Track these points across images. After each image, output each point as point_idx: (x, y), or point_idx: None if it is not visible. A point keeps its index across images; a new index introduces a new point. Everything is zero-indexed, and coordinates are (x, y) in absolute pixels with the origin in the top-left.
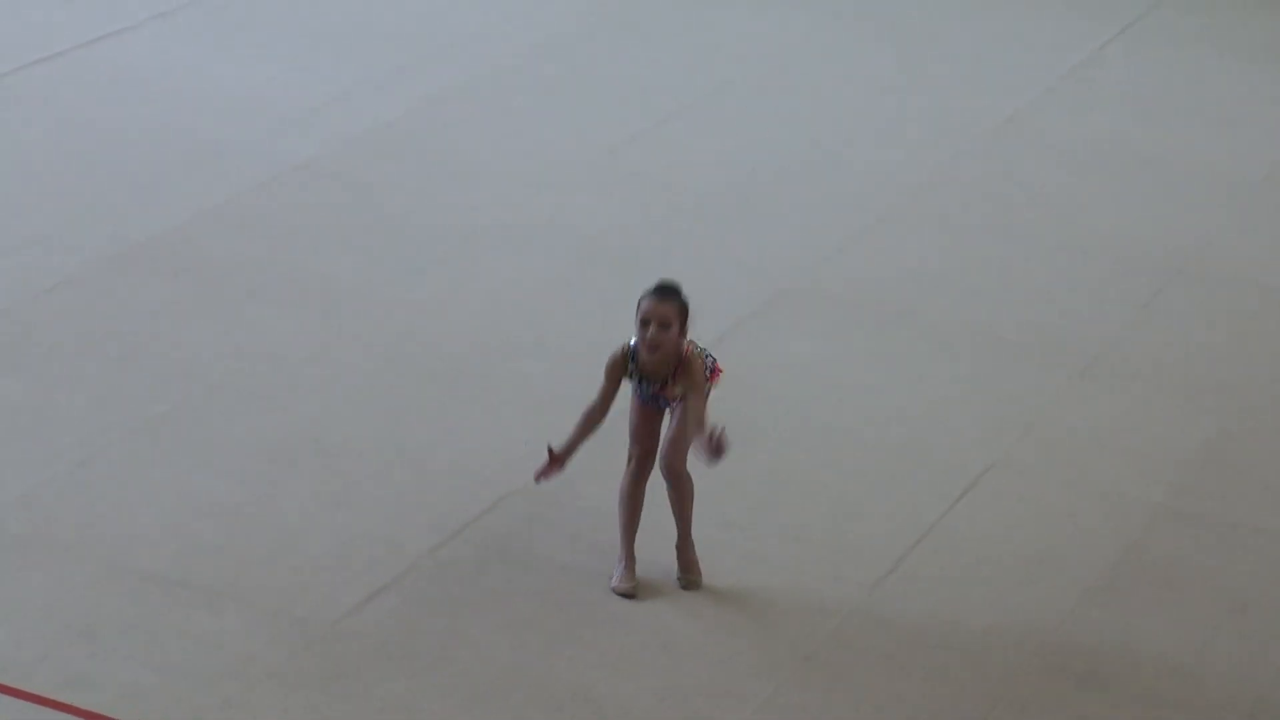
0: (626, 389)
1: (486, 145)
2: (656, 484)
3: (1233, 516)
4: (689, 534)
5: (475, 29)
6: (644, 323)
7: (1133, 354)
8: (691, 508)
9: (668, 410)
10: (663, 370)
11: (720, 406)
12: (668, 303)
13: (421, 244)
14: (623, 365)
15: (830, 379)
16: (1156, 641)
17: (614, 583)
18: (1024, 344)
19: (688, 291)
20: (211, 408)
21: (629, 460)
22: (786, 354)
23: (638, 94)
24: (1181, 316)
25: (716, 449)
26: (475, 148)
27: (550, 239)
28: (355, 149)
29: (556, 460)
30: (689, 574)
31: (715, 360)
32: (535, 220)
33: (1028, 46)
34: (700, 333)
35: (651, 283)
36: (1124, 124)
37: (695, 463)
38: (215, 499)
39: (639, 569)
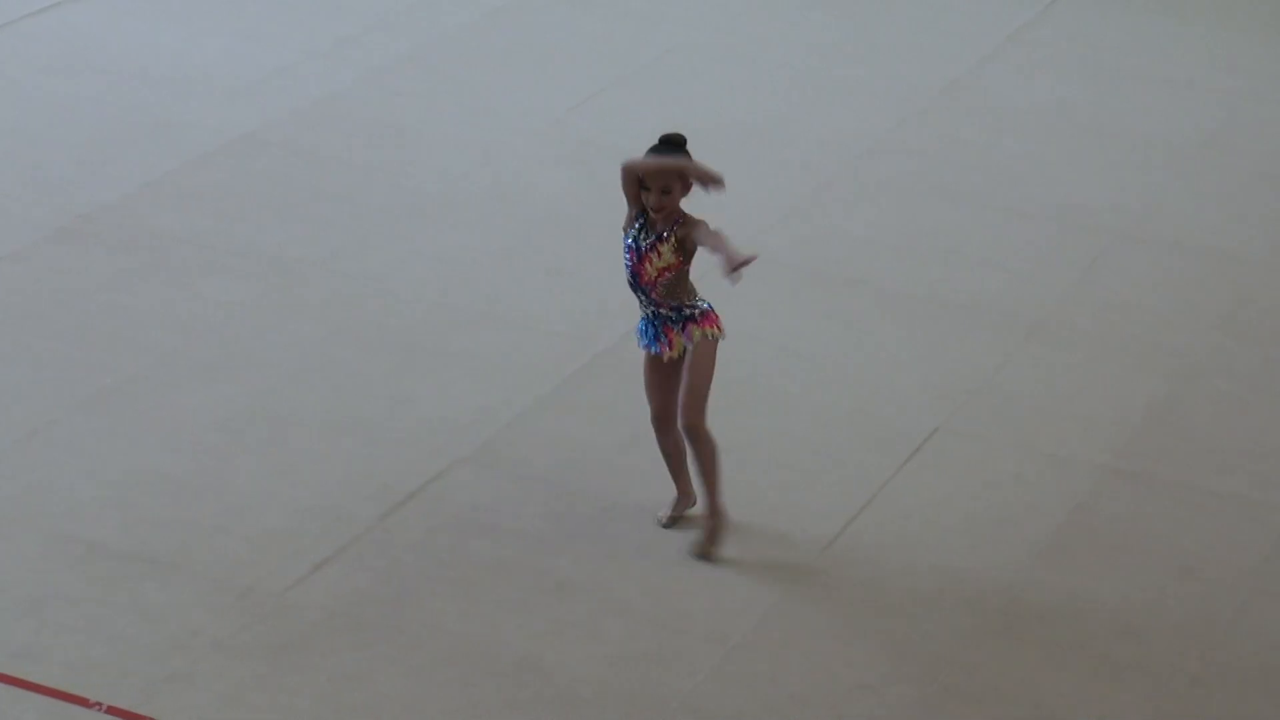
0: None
1: (433, 115)
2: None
3: (1179, 477)
4: (716, 500)
5: None
6: (645, 187)
7: (1078, 317)
8: (717, 470)
9: (676, 338)
10: (661, 226)
11: None
12: (673, 161)
13: (369, 214)
14: (638, 183)
15: (777, 345)
16: (1105, 603)
17: (660, 513)
18: (970, 308)
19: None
20: (159, 379)
21: (652, 419)
22: (734, 321)
23: (584, 61)
24: (1126, 279)
25: (737, 262)
26: (422, 117)
27: (498, 208)
28: (302, 120)
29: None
30: (708, 545)
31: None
32: (483, 189)
33: (970, 11)
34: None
35: (648, 145)
36: (1067, 88)
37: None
38: (163, 471)
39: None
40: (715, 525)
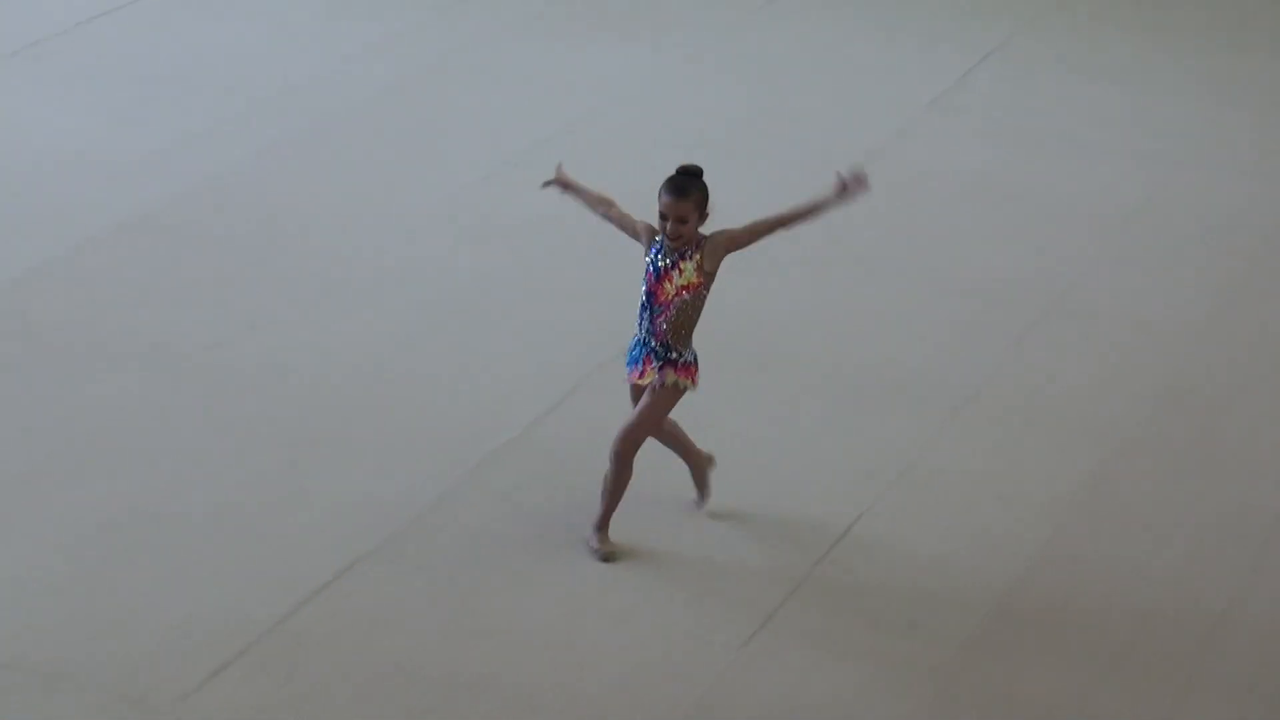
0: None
1: (324, 195)
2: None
3: (1113, 554)
4: (608, 522)
5: (312, 75)
6: (662, 217)
7: (1006, 392)
8: (618, 499)
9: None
10: (681, 248)
11: (582, 464)
12: (684, 200)
13: (259, 301)
14: (652, 230)
15: (695, 426)
16: (1035, 696)
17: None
18: (894, 384)
19: (529, 350)
20: (41, 478)
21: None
22: None
23: (487, 137)
24: (1055, 352)
25: (855, 183)
26: (315, 199)
27: (395, 291)
28: (189, 202)
29: (562, 180)
30: (603, 543)
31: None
32: (377, 272)
33: (889, 79)
34: (552, 390)
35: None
36: (990, 155)
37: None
38: (43, 574)
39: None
40: (603, 539)
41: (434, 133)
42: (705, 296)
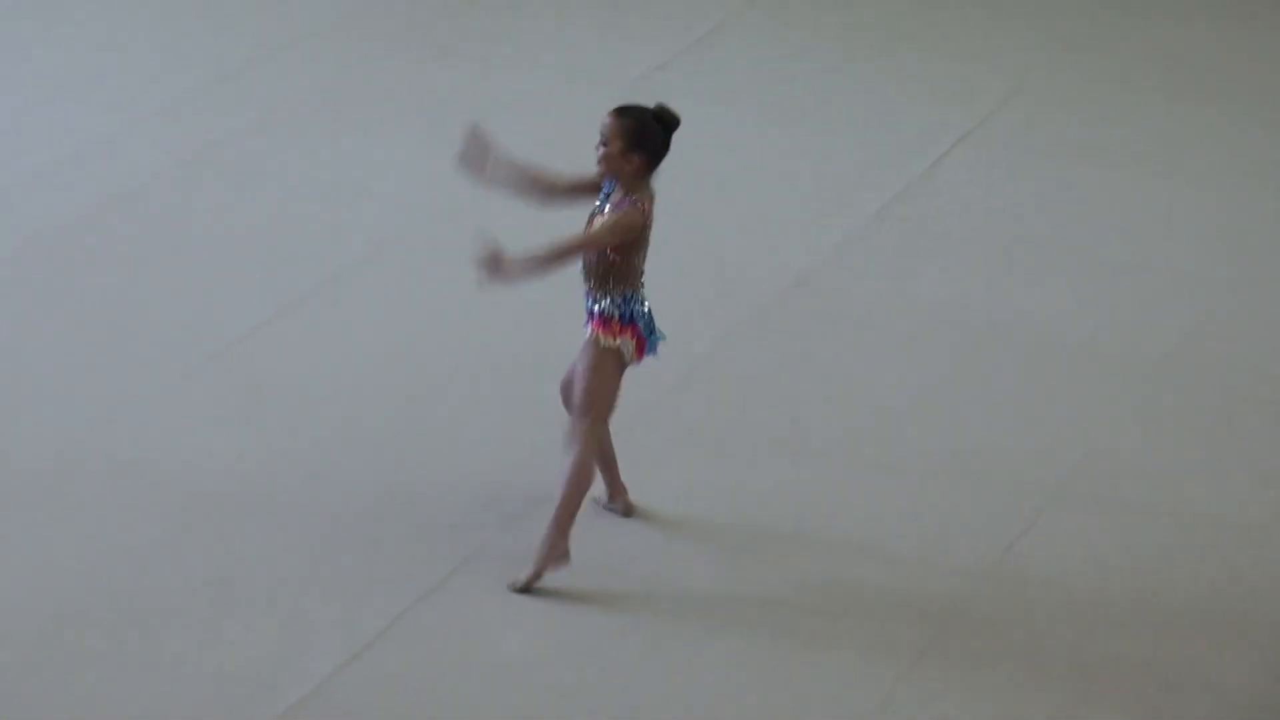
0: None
1: (42, 364)
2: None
3: None
4: (556, 521)
5: (22, 179)
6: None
7: (995, 601)
8: (573, 498)
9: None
10: (605, 186)
11: None
12: (617, 119)
13: None
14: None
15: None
16: None
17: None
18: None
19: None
20: None
21: (595, 427)
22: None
23: (253, 265)
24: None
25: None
26: (24, 366)
27: (135, 490)
28: None
29: (484, 162)
30: (532, 577)
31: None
32: (110, 466)
33: (823, 184)
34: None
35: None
36: (956, 278)
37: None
38: None
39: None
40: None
41: (181, 253)
42: (615, 257)
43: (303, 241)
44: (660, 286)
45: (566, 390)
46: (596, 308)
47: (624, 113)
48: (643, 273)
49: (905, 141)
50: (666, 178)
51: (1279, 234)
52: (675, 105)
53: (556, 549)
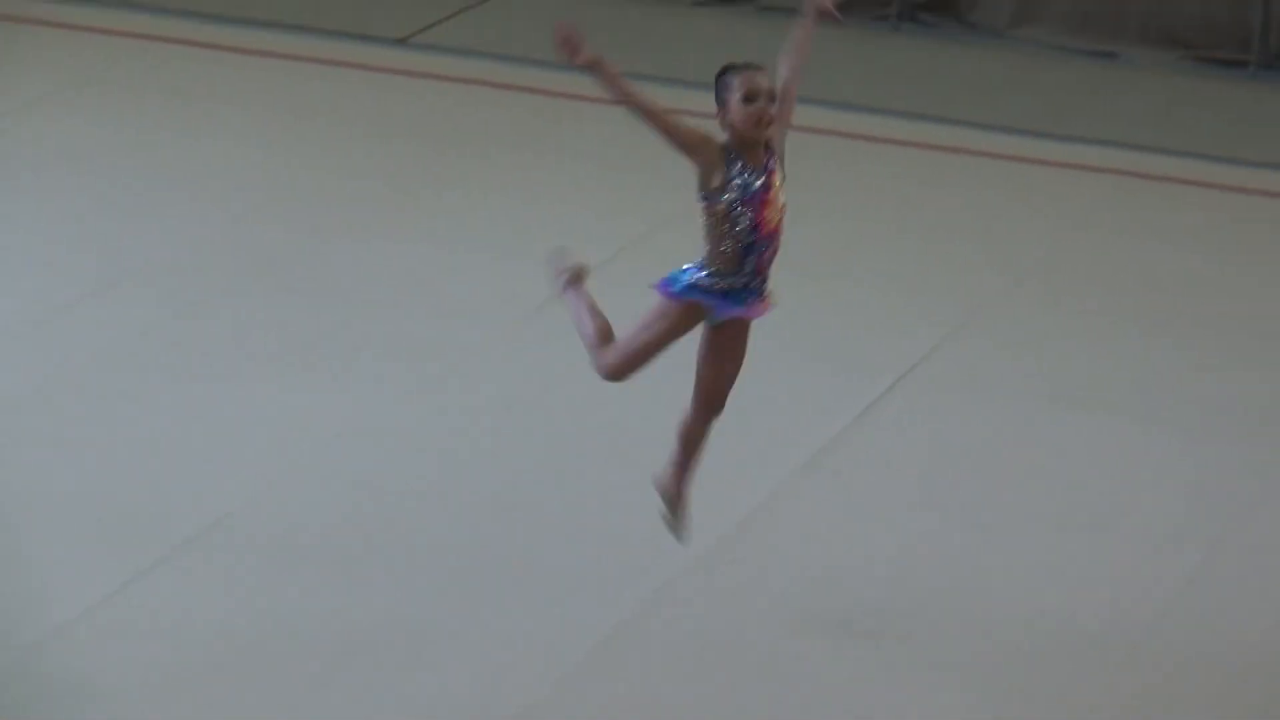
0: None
1: None
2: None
3: None
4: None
5: None
6: (748, 99)
7: None
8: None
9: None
10: (764, 153)
11: None
12: (765, 72)
13: None
14: (720, 149)
15: None
16: None
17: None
18: None
19: None
20: None
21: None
22: None
23: (84, 536)
24: None
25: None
26: None
27: None
28: None
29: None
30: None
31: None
32: None
33: (748, 433)
34: None
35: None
36: (893, 536)
37: None
38: None
39: None
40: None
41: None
42: None
43: (143, 506)
44: (577, 548)
45: (710, 392)
46: (766, 287)
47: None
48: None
49: (840, 382)
50: (584, 431)
51: (1254, 486)
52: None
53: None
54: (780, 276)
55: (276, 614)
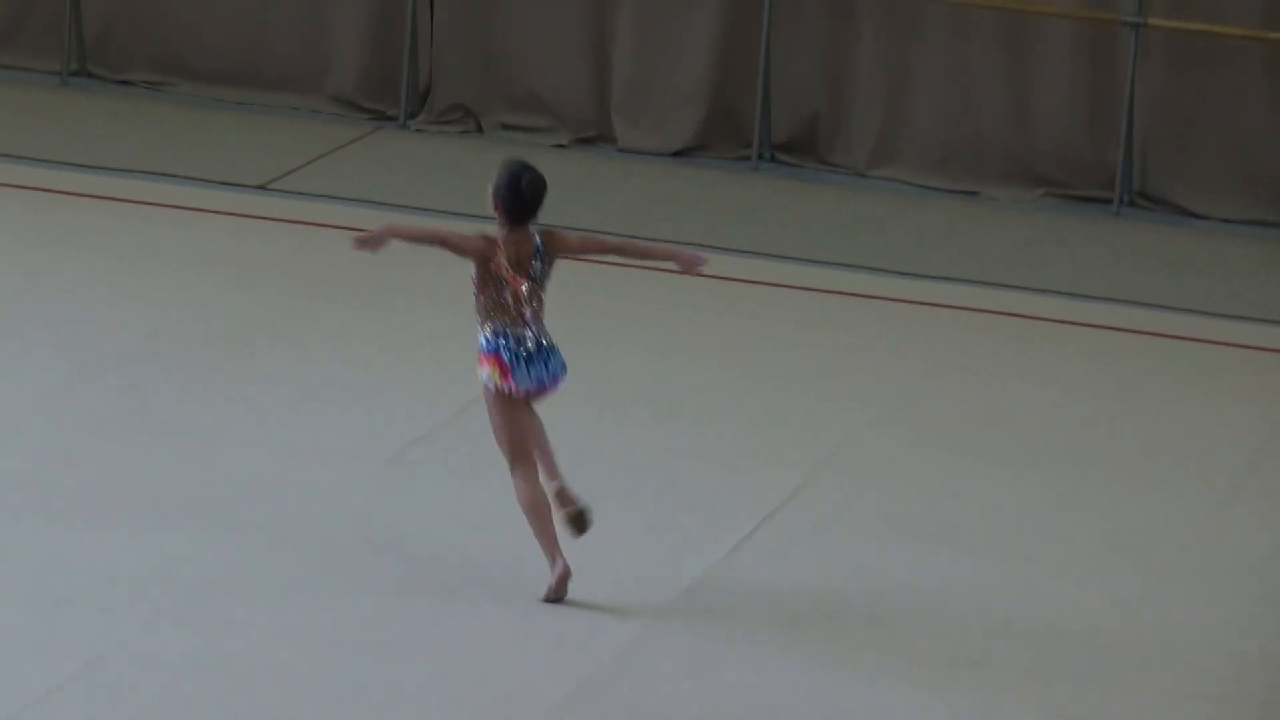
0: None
1: None
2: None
3: None
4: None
5: None
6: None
7: None
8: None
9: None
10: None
11: None
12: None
13: None
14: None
15: None
16: None
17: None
18: None
19: None
20: None
21: (515, 471)
22: None
23: None
24: None
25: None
26: None
27: None
28: None
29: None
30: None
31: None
32: None
33: (611, 575)
34: None
35: None
36: (759, 678)
37: None
38: None
39: None
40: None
41: None
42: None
43: (7, 653)
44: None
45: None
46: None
47: (501, 166)
48: (510, 309)
49: (705, 521)
50: (437, 580)
51: (1132, 623)
52: (435, 480)
53: (553, 566)
54: (645, 417)
55: None
